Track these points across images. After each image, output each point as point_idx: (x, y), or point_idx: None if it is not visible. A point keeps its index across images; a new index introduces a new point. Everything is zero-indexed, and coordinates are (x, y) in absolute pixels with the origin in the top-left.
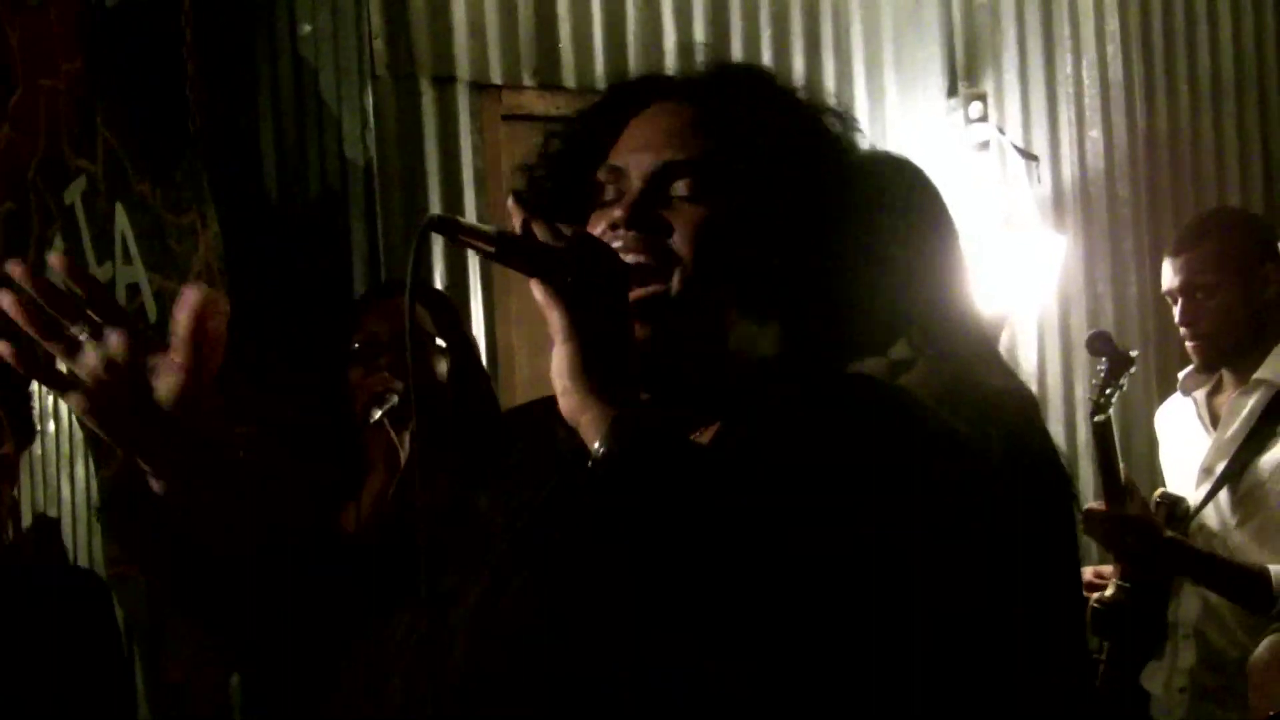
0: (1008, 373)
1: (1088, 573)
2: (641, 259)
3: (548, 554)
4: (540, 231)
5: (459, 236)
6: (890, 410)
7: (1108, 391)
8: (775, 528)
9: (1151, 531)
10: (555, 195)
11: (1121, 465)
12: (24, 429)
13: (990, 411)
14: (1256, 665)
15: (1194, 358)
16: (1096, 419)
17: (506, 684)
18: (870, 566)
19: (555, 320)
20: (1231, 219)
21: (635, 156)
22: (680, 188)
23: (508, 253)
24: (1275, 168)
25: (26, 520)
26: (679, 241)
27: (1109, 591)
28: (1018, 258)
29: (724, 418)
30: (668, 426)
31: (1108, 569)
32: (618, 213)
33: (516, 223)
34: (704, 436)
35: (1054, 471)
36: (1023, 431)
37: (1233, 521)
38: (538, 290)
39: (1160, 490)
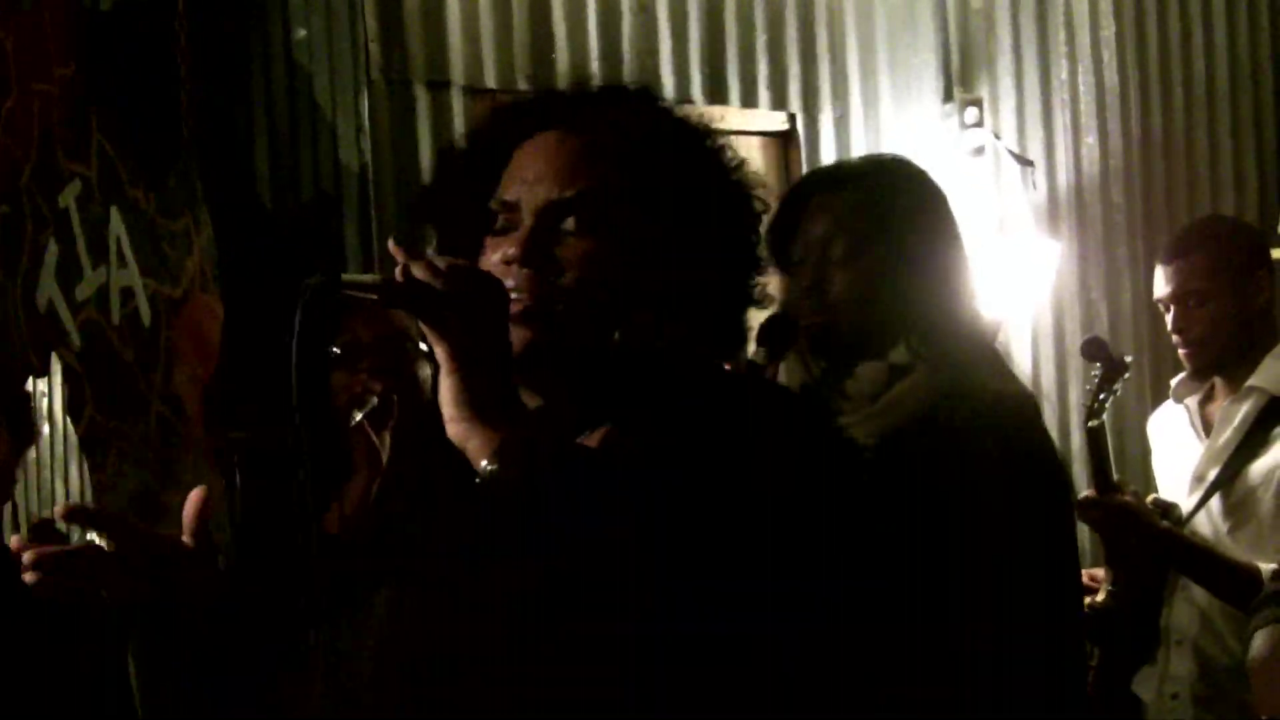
0: (1008, 375)
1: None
2: (533, 295)
3: (443, 569)
4: (420, 271)
5: (344, 293)
6: (778, 419)
7: (1101, 397)
8: (655, 543)
9: (1145, 519)
10: (454, 218)
11: (1119, 477)
12: (23, 432)
13: (989, 415)
14: (1257, 661)
15: (1186, 365)
16: (1091, 424)
17: (410, 699)
18: (743, 579)
19: (439, 353)
20: (1223, 227)
21: (525, 191)
22: (569, 223)
23: (392, 298)
24: (1269, 174)
25: (21, 522)
26: (569, 278)
27: (1100, 597)
28: (1012, 263)
29: (615, 419)
30: (549, 445)
31: (1100, 572)
32: (511, 250)
33: (399, 266)
34: (593, 438)
35: (1053, 474)
36: (1022, 434)
37: (1224, 528)
38: (424, 328)
39: (1153, 497)
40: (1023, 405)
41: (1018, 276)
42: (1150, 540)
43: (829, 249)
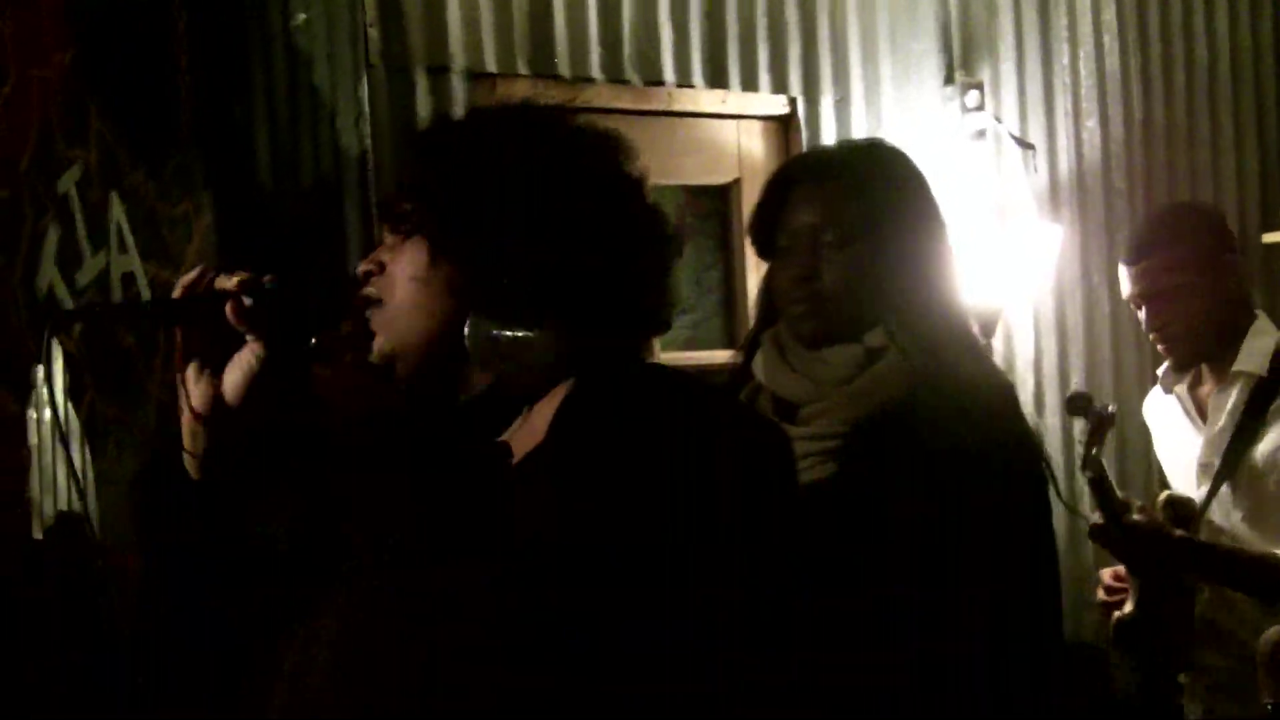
0: (984, 361)
1: (1106, 574)
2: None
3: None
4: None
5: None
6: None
7: (1094, 451)
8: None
9: (1158, 534)
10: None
11: (1125, 496)
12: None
13: (965, 399)
14: (1266, 646)
15: (1167, 359)
16: (1089, 475)
17: (360, 707)
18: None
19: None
20: (1184, 219)
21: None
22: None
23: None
24: (1270, 159)
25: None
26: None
27: (1128, 608)
28: (1013, 248)
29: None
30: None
31: (1122, 570)
32: None
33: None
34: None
35: (1031, 461)
36: (999, 421)
37: (1236, 516)
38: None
39: (1165, 494)
40: (999, 391)
41: (1019, 261)
42: (1168, 553)
43: (817, 237)
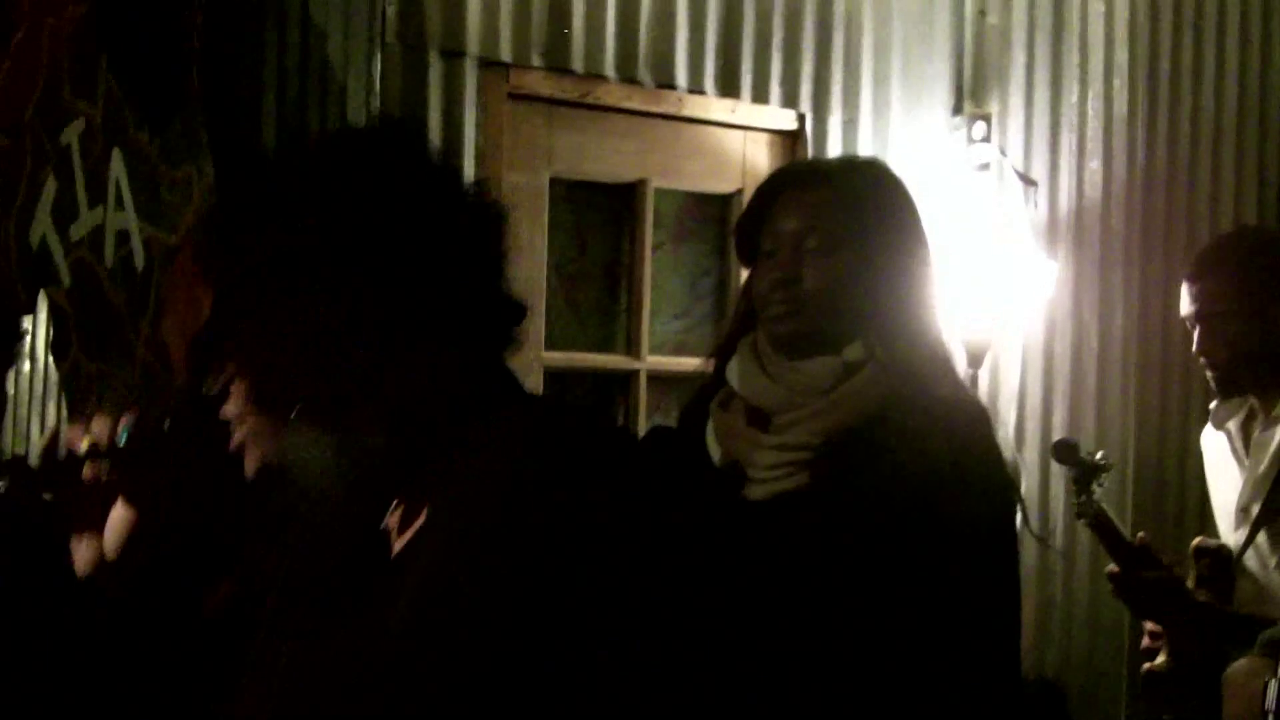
0: (958, 383)
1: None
2: None
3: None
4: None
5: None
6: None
7: (1083, 498)
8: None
9: (1176, 594)
10: None
11: (1140, 535)
12: (5, 354)
13: (939, 418)
14: (1232, 679)
15: (1212, 385)
16: (1086, 522)
17: None
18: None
19: None
20: (1247, 245)
21: None
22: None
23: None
24: (1269, 211)
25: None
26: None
27: (1161, 659)
28: (1008, 280)
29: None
30: None
31: (1157, 628)
32: None
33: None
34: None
35: (1001, 483)
36: (970, 440)
37: (1272, 562)
38: None
39: (1198, 539)
40: (974, 413)
41: (1013, 293)
42: (1188, 617)
43: (801, 242)
